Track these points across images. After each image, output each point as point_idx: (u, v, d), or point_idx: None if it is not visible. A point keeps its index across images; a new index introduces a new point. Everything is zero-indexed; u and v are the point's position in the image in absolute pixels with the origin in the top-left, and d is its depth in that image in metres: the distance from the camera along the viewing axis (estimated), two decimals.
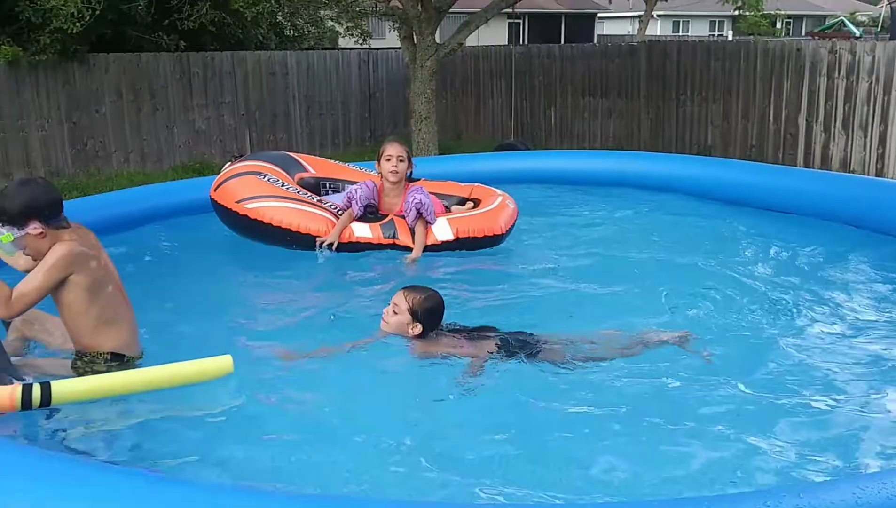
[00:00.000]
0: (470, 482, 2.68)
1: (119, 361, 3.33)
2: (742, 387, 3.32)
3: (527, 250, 5.49)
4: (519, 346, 3.59)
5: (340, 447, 2.92)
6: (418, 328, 3.64)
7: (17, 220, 3.14)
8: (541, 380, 3.38)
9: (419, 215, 5.10)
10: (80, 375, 3.26)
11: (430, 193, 5.56)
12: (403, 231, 5.16)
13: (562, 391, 3.29)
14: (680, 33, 42.61)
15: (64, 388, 2.93)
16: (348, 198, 5.26)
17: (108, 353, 3.31)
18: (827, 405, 3.19)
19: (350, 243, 5.13)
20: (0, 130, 10.12)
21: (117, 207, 6.13)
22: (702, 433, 2.98)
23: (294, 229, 5.13)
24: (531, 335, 3.71)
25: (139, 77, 11.09)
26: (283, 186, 5.45)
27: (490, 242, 5.28)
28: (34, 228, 3.16)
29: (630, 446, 2.91)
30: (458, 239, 5.17)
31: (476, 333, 3.77)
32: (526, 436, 2.97)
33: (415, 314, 3.64)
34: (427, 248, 5.13)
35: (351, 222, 5.18)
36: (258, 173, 5.49)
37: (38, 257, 3.21)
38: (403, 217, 5.22)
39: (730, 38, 37.88)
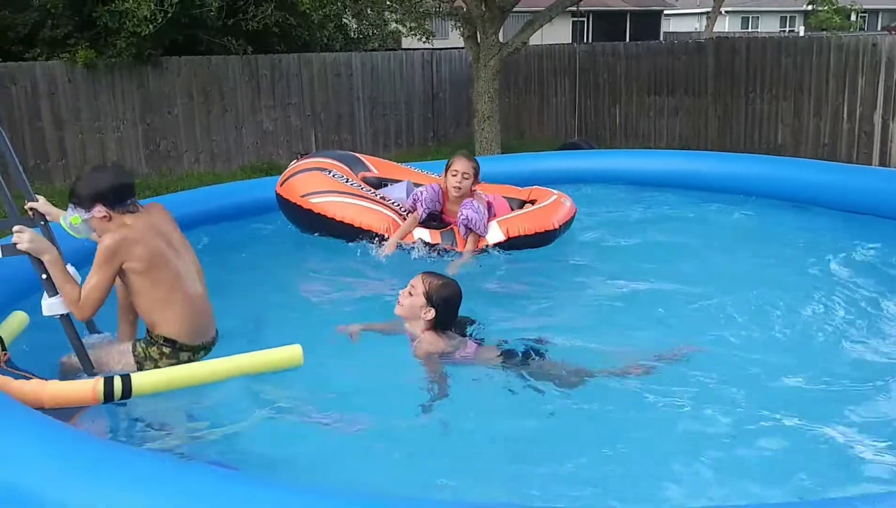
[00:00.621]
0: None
1: (171, 347, 3.42)
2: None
3: (585, 256, 5.42)
4: (523, 358, 3.51)
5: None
6: (431, 314, 3.57)
7: (84, 203, 3.32)
8: (532, 394, 3.33)
9: (469, 230, 5.12)
10: (137, 361, 3.40)
11: (492, 195, 5.54)
12: (462, 241, 5.17)
13: (551, 406, 3.25)
14: (749, 29, 41.61)
15: (143, 380, 3.04)
16: (413, 200, 5.28)
17: (162, 337, 3.41)
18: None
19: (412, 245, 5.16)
20: (79, 131, 10.52)
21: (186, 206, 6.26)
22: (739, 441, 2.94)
23: (356, 225, 5.18)
24: (541, 348, 3.60)
25: (209, 79, 11.38)
26: (347, 182, 5.51)
27: (542, 239, 5.23)
28: (99, 211, 3.31)
29: (636, 458, 2.88)
30: (509, 239, 5.14)
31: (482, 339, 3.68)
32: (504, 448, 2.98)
33: (430, 299, 3.58)
34: (481, 251, 5.13)
35: (415, 226, 5.20)
36: (323, 170, 5.58)
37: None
38: None
39: (801, 33, 36.83)
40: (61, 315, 3.28)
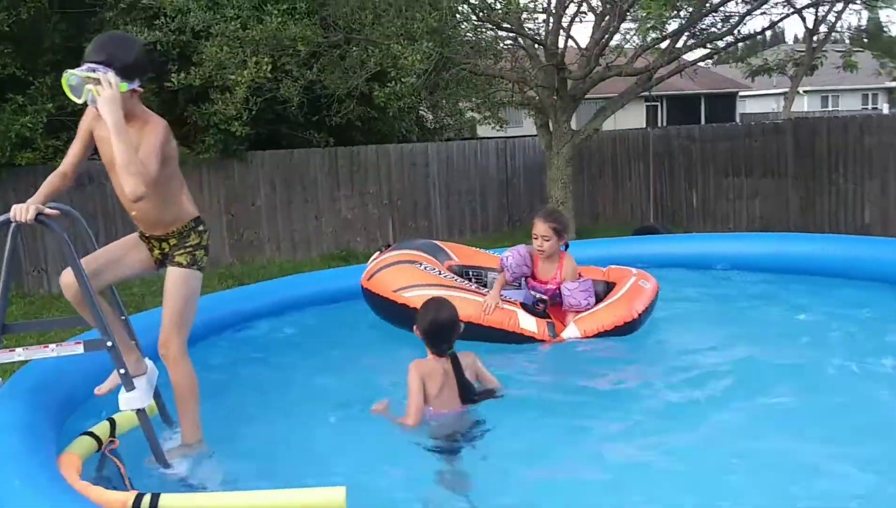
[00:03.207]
0: None
1: (200, 223, 3.65)
2: None
3: (664, 345, 5.22)
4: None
5: None
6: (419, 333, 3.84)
7: (135, 73, 3.18)
8: None
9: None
10: (190, 263, 3.55)
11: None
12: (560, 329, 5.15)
13: None
14: (829, 108, 40.96)
15: (171, 503, 2.93)
16: (502, 266, 5.31)
17: (191, 221, 3.61)
18: None
19: (515, 333, 5.09)
20: None
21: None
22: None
23: (465, 320, 5.11)
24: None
25: (291, 171, 11.81)
26: (440, 274, 5.48)
27: (623, 330, 5.09)
28: (138, 85, 3.25)
29: None
30: (586, 337, 5.04)
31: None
32: None
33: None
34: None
35: (502, 284, 5.25)
36: (414, 262, 5.56)
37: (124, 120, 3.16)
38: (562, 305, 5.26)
39: (885, 111, 36.03)
40: (138, 410, 3.35)
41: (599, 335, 5.03)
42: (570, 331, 5.08)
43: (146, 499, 2.90)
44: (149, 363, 3.49)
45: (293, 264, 11.01)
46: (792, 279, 6.59)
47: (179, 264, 3.54)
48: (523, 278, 5.39)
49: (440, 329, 3.78)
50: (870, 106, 41.81)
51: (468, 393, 3.78)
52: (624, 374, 4.63)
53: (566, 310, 5.23)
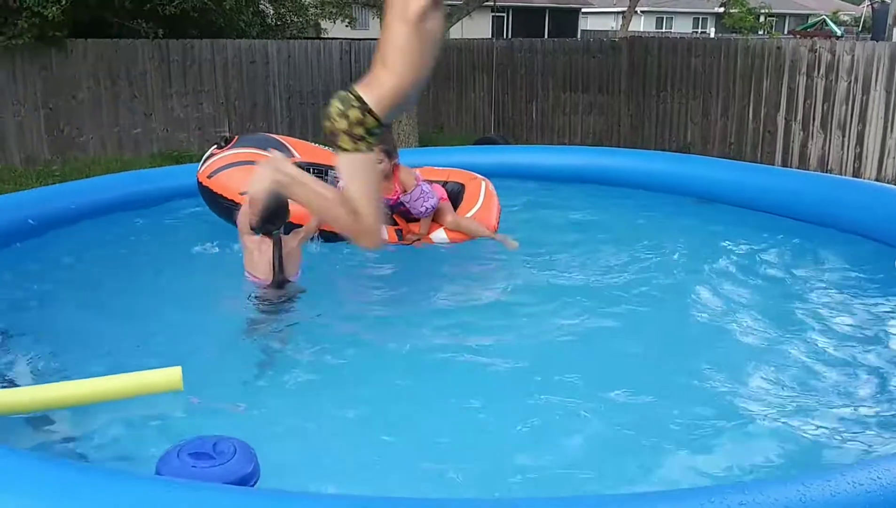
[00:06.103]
0: None
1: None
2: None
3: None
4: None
5: None
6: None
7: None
8: None
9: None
10: None
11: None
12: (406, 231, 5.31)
13: None
14: (663, 29, 42.70)
15: (8, 398, 2.78)
16: None
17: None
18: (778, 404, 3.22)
19: None
20: None
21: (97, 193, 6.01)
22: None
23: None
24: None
25: (117, 63, 10.98)
26: None
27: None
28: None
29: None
30: (453, 242, 5.31)
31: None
32: None
33: None
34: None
35: None
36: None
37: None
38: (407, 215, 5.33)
39: (712, 35, 38.00)
40: None
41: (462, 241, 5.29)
42: (439, 235, 5.29)
43: None
44: None
45: (121, 164, 10.37)
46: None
47: None
48: None
49: (269, 214, 4.13)
50: (699, 30, 43.94)
51: (278, 273, 4.22)
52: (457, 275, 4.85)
53: (419, 218, 5.33)
